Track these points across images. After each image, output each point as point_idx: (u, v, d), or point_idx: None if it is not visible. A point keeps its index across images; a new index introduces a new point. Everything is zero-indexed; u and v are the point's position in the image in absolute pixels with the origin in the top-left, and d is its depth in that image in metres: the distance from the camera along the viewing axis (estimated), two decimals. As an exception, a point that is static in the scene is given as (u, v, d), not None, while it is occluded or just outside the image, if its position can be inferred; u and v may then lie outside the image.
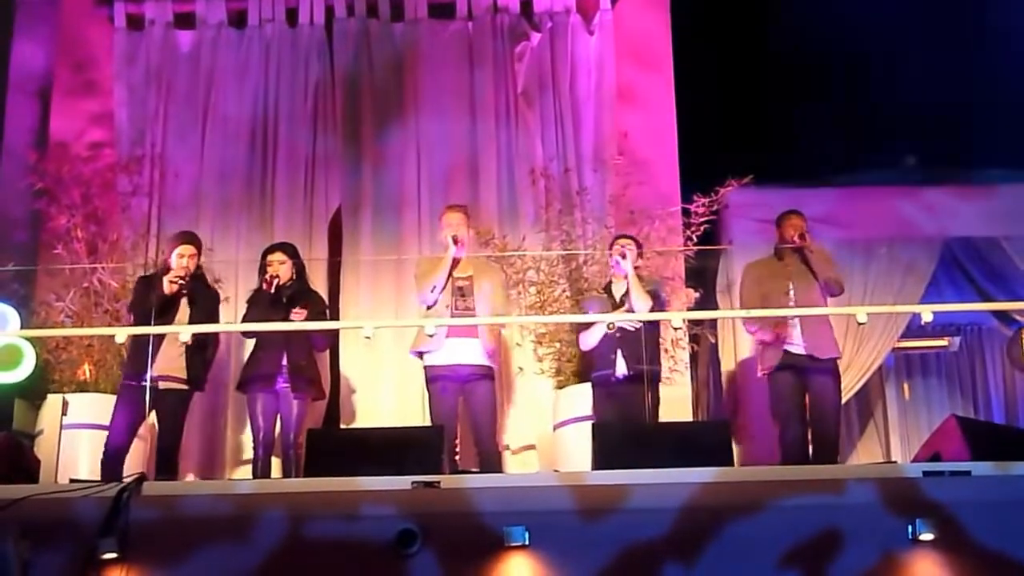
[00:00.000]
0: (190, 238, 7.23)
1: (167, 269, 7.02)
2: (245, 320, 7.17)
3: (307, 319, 6.98)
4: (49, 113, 8.91)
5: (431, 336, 6.86)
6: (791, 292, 7.08)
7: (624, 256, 7.05)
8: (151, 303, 6.81)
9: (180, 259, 7.03)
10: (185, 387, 6.87)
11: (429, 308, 7.07)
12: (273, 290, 7.03)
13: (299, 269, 7.27)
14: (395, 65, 9.09)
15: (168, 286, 6.87)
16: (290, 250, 7.30)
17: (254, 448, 7.02)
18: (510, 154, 8.87)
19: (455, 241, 7.03)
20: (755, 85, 9.24)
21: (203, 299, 7.06)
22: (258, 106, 8.95)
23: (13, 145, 8.83)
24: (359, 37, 9.12)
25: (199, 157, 8.85)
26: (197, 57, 9.07)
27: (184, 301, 6.96)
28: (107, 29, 9.08)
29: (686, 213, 8.21)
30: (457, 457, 6.83)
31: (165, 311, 6.84)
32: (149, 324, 6.74)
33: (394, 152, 8.92)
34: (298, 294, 7.13)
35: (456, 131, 8.93)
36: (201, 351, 6.94)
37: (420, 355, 7.06)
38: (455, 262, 7.06)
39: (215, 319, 7.12)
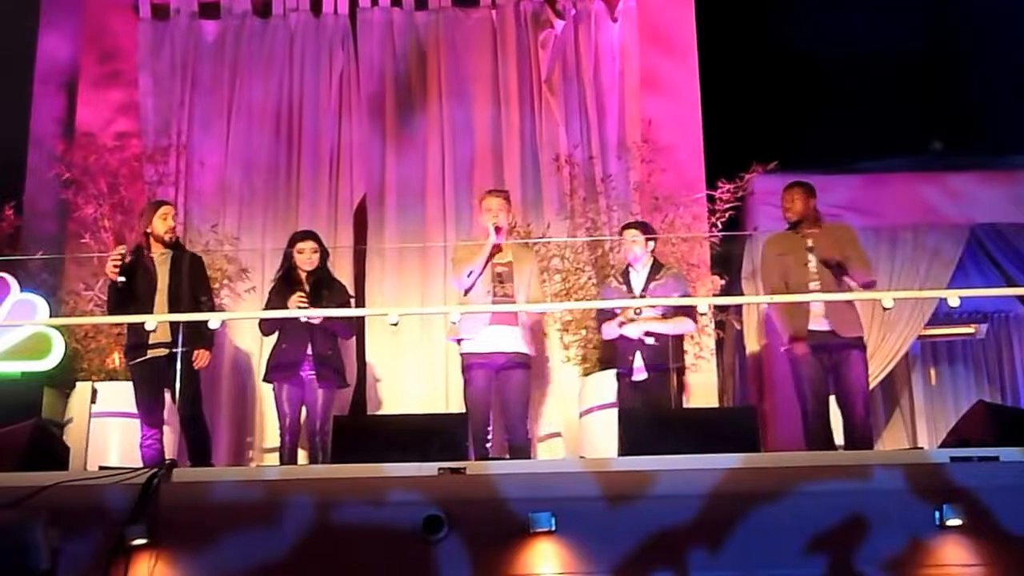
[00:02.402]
0: (164, 201, 7.23)
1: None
2: (267, 308, 7.20)
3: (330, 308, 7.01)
4: (76, 104, 8.98)
5: (454, 324, 6.88)
6: (810, 265, 6.98)
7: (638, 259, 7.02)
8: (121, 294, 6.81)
9: (160, 220, 6.90)
10: (185, 349, 6.72)
11: (466, 293, 7.03)
12: (306, 269, 7.06)
13: (322, 258, 7.27)
14: (419, 54, 9.12)
15: (111, 271, 6.69)
16: (317, 238, 7.30)
17: (280, 436, 7.05)
18: (534, 142, 8.89)
19: (497, 229, 6.98)
20: (779, 71, 9.22)
21: (184, 264, 6.93)
22: (283, 95, 8.99)
23: (40, 136, 8.93)
24: (383, 26, 9.14)
25: (224, 146, 8.91)
26: (222, 47, 9.11)
27: (164, 269, 6.85)
28: (132, 19, 9.13)
29: (711, 200, 8.20)
30: (488, 444, 6.83)
31: (135, 278, 6.76)
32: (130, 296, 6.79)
33: (418, 140, 8.95)
34: (320, 282, 7.15)
35: (480, 119, 8.95)
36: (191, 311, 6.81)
37: (458, 341, 7.02)
38: (494, 249, 7.03)
39: (205, 281, 7.05)
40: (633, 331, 6.95)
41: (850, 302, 6.98)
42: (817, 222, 7.09)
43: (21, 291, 6.92)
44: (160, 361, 6.67)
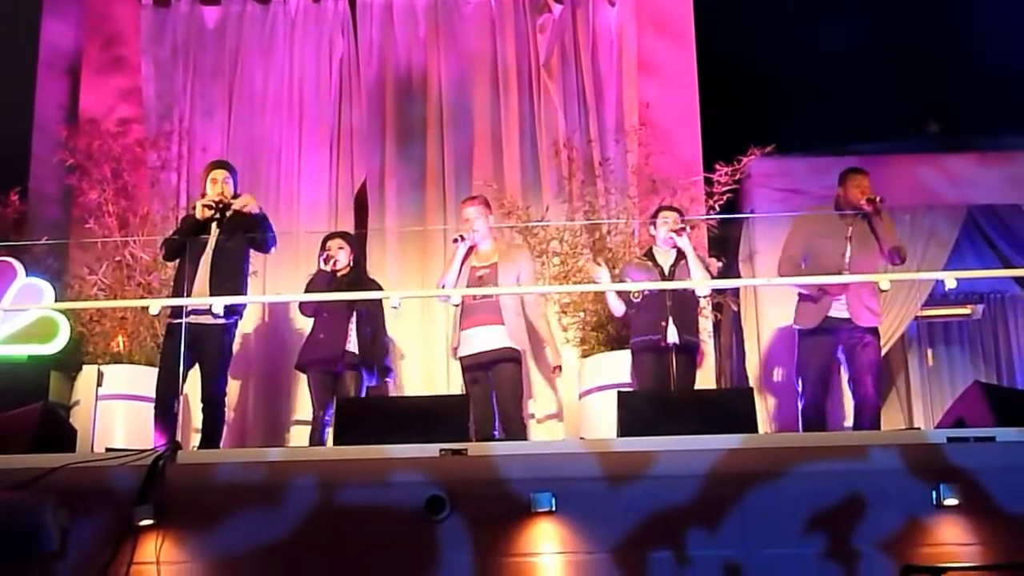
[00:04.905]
0: (222, 163, 7.22)
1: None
2: (304, 303, 7.27)
3: (368, 308, 7.10)
4: (79, 90, 9.01)
5: (456, 306, 6.99)
6: (847, 256, 6.96)
7: (680, 234, 7.04)
8: (186, 235, 6.85)
9: (213, 184, 6.97)
10: (223, 321, 6.75)
11: (456, 305, 7.09)
12: (330, 268, 7.12)
13: (356, 257, 7.36)
14: (418, 39, 9.14)
15: (201, 210, 6.83)
16: (349, 238, 7.41)
17: (313, 420, 7.13)
18: (533, 126, 8.93)
19: (460, 239, 7.07)
20: (776, 54, 9.23)
21: (238, 228, 6.91)
22: (283, 81, 9.04)
23: (44, 122, 8.94)
24: (382, 12, 9.17)
25: (226, 132, 8.96)
26: (223, 33, 9.15)
27: (216, 234, 6.87)
28: (134, 6, 9.15)
29: (708, 183, 8.23)
30: (496, 436, 6.90)
31: (197, 240, 6.80)
32: (180, 256, 6.87)
33: (418, 125, 8.99)
34: (356, 281, 7.22)
35: (479, 103, 8.98)
36: (233, 280, 6.85)
37: (455, 349, 7.16)
38: (467, 254, 7.11)
39: (256, 246, 7.05)
40: (663, 229, 7.09)
41: (874, 293, 6.94)
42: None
43: (27, 275, 6.94)
44: (194, 330, 6.63)
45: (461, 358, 7.12)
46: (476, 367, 7.04)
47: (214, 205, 6.85)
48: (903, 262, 7.12)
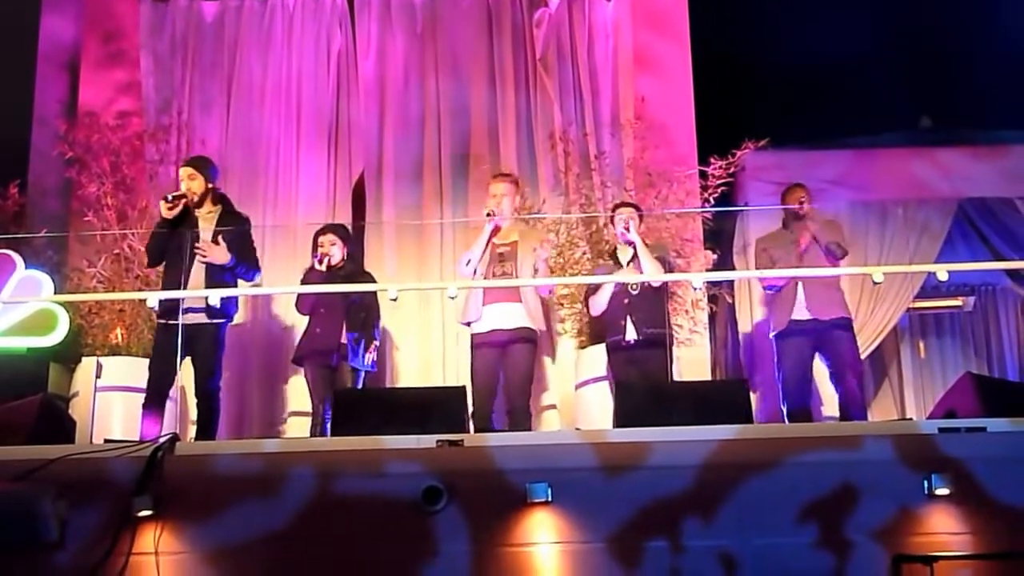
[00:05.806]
0: (189, 160, 7.19)
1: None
2: (300, 301, 7.31)
3: (364, 302, 7.14)
4: (78, 83, 9.03)
5: (452, 298, 7.01)
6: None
7: (628, 228, 7.11)
8: (163, 239, 6.84)
9: (181, 183, 6.97)
10: (220, 320, 6.79)
11: (452, 298, 7.14)
12: (324, 267, 7.15)
13: (351, 251, 7.39)
14: (415, 33, 9.18)
15: (164, 208, 6.79)
16: (341, 231, 7.41)
17: (313, 415, 7.19)
18: (529, 120, 8.97)
19: (490, 215, 7.06)
20: (770, 48, 9.27)
21: (227, 226, 6.92)
22: (282, 75, 9.07)
23: (44, 115, 8.96)
24: (380, 6, 9.20)
25: (224, 125, 8.99)
26: (221, 27, 9.18)
27: (208, 227, 6.88)
28: (133, 0, 9.17)
29: (703, 176, 8.27)
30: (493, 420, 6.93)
31: (174, 235, 6.79)
32: (163, 259, 6.88)
33: (415, 119, 9.02)
34: (351, 275, 7.24)
35: (476, 97, 9.01)
36: (228, 279, 6.87)
37: (468, 323, 7.13)
38: (493, 232, 7.11)
39: (247, 245, 7.04)
40: (619, 225, 7.13)
41: (836, 285, 7.16)
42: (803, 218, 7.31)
43: (26, 268, 6.97)
44: (188, 329, 6.63)
45: (474, 335, 7.05)
46: (488, 345, 6.96)
47: (170, 200, 6.80)
48: (843, 255, 7.29)
